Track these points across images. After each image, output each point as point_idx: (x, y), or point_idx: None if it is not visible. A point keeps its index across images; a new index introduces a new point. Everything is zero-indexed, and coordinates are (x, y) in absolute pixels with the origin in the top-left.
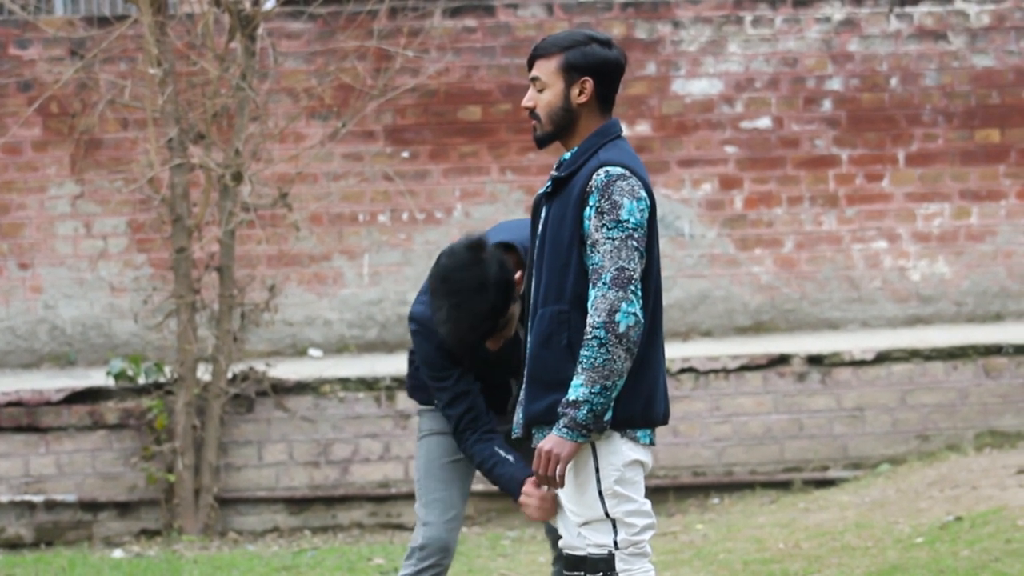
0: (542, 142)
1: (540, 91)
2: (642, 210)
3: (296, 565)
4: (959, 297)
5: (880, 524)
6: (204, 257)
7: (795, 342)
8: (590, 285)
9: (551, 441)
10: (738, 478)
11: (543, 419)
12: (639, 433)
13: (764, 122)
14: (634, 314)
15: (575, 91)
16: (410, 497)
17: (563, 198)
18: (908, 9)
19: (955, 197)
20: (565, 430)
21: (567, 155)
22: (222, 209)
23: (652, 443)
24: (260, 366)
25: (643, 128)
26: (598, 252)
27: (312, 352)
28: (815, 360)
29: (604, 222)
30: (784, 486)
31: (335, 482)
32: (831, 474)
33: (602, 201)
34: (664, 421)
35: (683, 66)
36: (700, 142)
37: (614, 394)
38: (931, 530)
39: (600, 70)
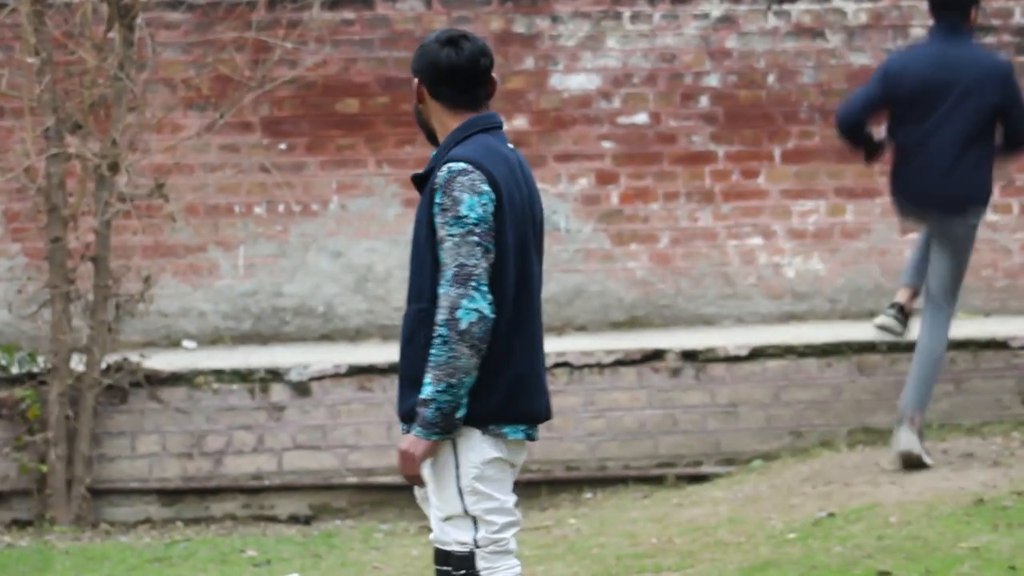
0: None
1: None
2: (484, 204)
3: (168, 556)
4: (833, 294)
5: (753, 520)
6: (79, 247)
7: (670, 337)
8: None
9: (406, 440)
10: (611, 473)
11: (409, 417)
12: (507, 429)
13: (641, 118)
14: (476, 310)
15: (422, 92)
16: (283, 489)
17: (423, 198)
18: (786, 7)
19: (830, 194)
20: (418, 429)
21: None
22: (98, 199)
23: (531, 438)
24: (134, 357)
25: (520, 123)
26: (442, 250)
27: (186, 343)
28: (689, 356)
29: (446, 219)
30: (657, 481)
31: (208, 474)
32: (704, 469)
33: (444, 198)
34: (541, 417)
35: (561, 61)
36: (577, 137)
37: (462, 391)
38: (804, 526)
39: (429, 71)
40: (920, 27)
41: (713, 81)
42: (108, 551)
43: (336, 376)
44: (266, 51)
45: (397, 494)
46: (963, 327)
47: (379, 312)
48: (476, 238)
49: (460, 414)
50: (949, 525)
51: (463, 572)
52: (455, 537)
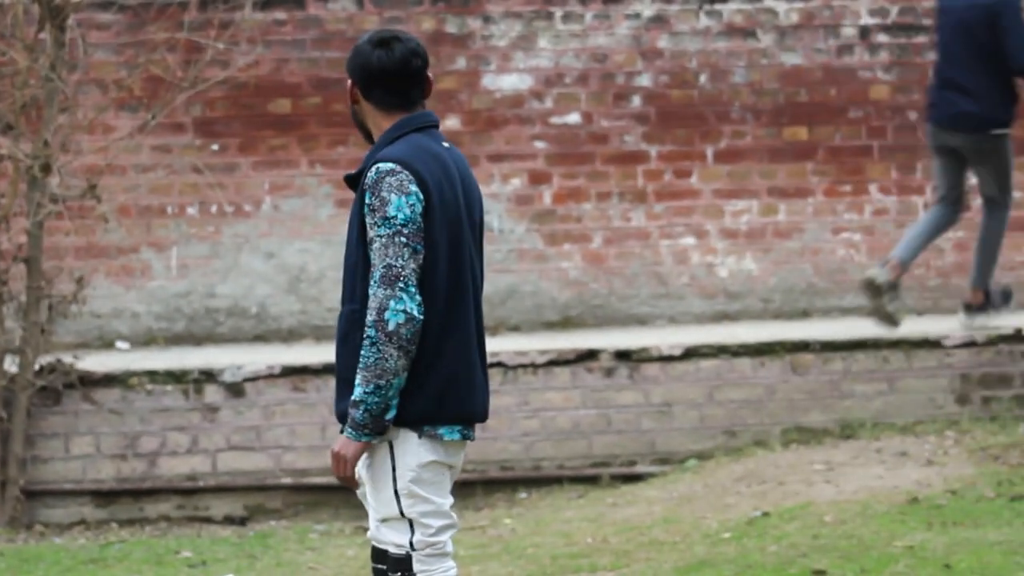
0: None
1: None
2: (411, 205)
3: (103, 558)
4: (766, 294)
5: (688, 519)
6: (11, 248)
7: (603, 337)
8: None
9: (338, 443)
10: (546, 473)
11: (345, 418)
12: (442, 430)
13: (573, 118)
14: (403, 311)
15: (355, 93)
16: (218, 490)
17: (356, 198)
18: (718, 6)
19: (763, 194)
20: (349, 430)
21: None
22: (30, 200)
23: (467, 439)
24: (67, 358)
25: (453, 123)
26: (372, 250)
27: (119, 344)
28: (623, 355)
29: (375, 220)
30: (592, 481)
31: (142, 475)
32: (639, 469)
33: (373, 198)
34: (477, 417)
35: (493, 61)
36: (510, 137)
37: (391, 393)
38: (738, 525)
39: (361, 72)
40: (851, 27)
41: (645, 81)
42: (42, 552)
43: (270, 377)
44: (198, 52)
45: (332, 494)
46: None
47: (312, 312)
48: (404, 239)
49: (390, 415)
50: (884, 524)
51: (399, 574)
52: (391, 539)
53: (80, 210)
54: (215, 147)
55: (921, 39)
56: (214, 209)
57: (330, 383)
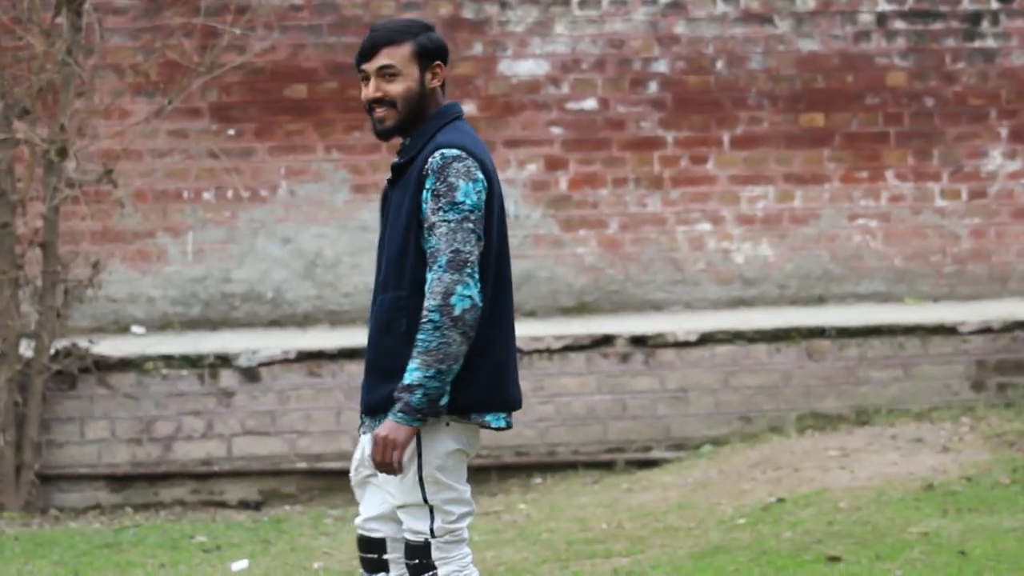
0: (392, 132)
1: (391, 79)
2: (479, 192)
3: (118, 542)
4: (782, 280)
5: (703, 505)
6: (28, 233)
7: (619, 323)
8: (428, 269)
9: (387, 427)
10: (561, 458)
11: (382, 407)
12: (489, 417)
13: (590, 103)
14: (470, 297)
15: (428, 76)
16: (233, 475)
17: (404, 184)
18: None
19: (779, 180)
20: (400, 415)
21: (407, 141)
22: (46, 185)
23: (509, 426)
24: (83, 342)
25: (469, 108)
26: (434, 235)
27: (135, 329)
28: (639, 341)
29: (440, 204)
30: (607, 466)
31: (157, 459)
32: (654, 455)
33: (438, 183)
34: (517, 404)
35: (510, 47)
36: (526, 123)
37: (449, 378)
38: (754, 511)
39: (446, 55)
40: (868, 13)
41: (662, 67)
42: (57, 537)
43: (285, 362)
44: (214, 37)
45: (346, 480)
46: (911, 313)
47: (328, 297)
48: (471, 225)
49: (444, 401)
50: (899, 510)
51: (416, 562)
52: (410, 526)
53: (96, 195)
54: (231, 132)
55: (938, 26)
56: (230, 194)
57: (346, 368)
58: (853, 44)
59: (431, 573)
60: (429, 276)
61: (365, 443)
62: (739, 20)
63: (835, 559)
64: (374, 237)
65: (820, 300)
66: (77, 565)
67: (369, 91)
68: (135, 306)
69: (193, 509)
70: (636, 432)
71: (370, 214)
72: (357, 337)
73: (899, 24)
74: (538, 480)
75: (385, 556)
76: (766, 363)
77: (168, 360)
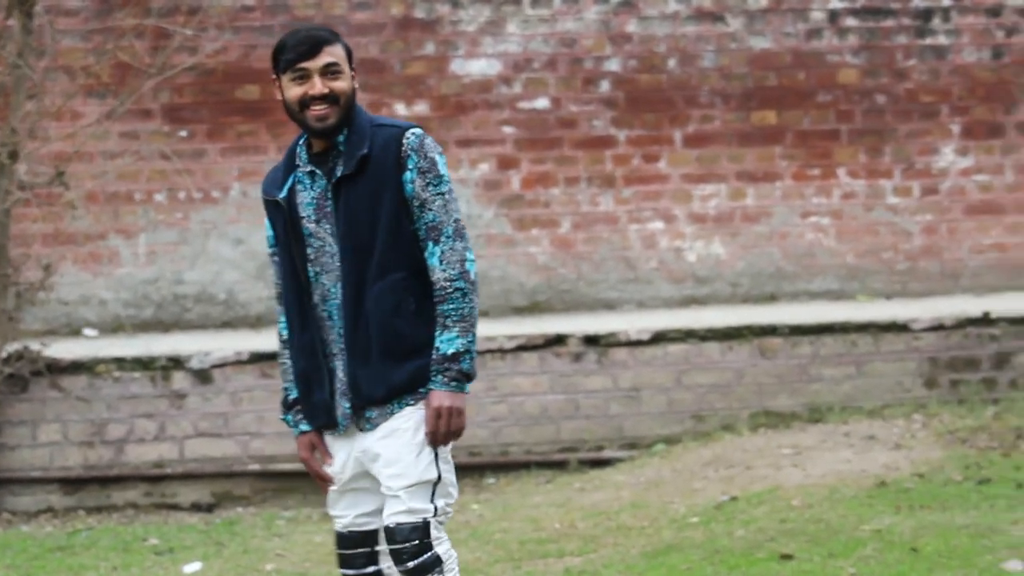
0: (335, 129)
1: (335, 76)
2: (446, 164)
3: (70, 546)
4: (734, 278)
5: (655, 504)
6: None
7: (572, 322)
8: (429, 243)
9: (446, 398)
10: (514, 458)
11: (406, 388)
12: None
13: (542, 103)
14: (474, 261)
15: (353, 76)
16: (185, 477)
17: (370, 174)
18: None
19: (731, 178)
20: (455, 383)
21: (341, 137)
22: None
23: None
24: (35, 345)
25: (421, 108)
26: (431, 210)
27: (87, 331)
28: (591, 340)
29: (428, 180)
30: (560, 466)
31: (110, 462)
32: (607, 454)
33: (421, 161)
34: None
35: (462, 46)
36: (478, 122)
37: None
38: (706, 510)
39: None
40: (820, 10)
41: (614, 65)
42: (10, 540)
43: (238, 363)
44: (166, 38)
45: (299, 481)
46: (864, 310)
47: None
48: (455, 194)
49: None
50: (851, 508)
51: (417, 542)
52: (413, 505)
53: (48, 197)
54: (183, 133)
55: (890, 23)
56: (182, 196)
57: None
58: (805, 42)
59: (430, 553)
60: (436, 248)
61: (371, 444)
62: (691, 18)
63: (788, 557)
64: None
65: (772, 298)
66: (29, 568)
67: (315, 88)
68: (87, 308)
69: (146, 512)
70: (589, 431)
71: None
72: None
73: (851, 21)
74: (491, 480)
75: (376, 548)
76: (719, 361)
77: (120, 362)
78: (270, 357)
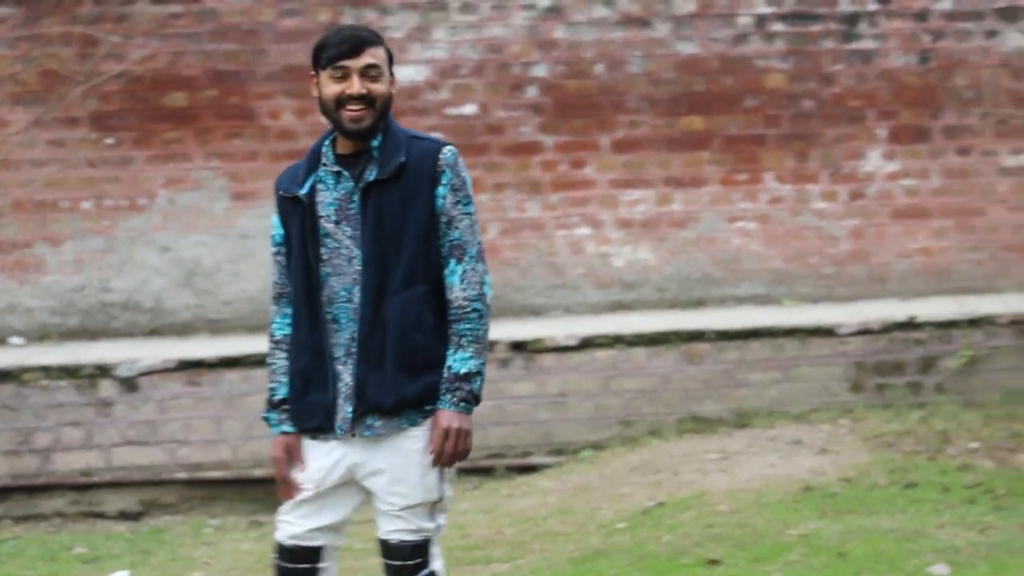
0: (369, 131)
1: (375, 79)
2: (472, 186)
3: None
4: (662, 283)
5: (583, 510)
6: None
7: (499, 328)
8: (451, 261)
9: (455, 419)
10: None
11: (417, 402)
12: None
13: (470, 109)
14: (491, 286)
15: (392, 81)
16: (113, 485)
17: (404, 182)
18: None
19: (658, 184)
20: (463, 404)
21: (375, 142)
22: None
23: None
24: None
25: None
26: (457, 228)
27: (13, 340)
28: (519, 346)
29: (459, 199)
30: (487, 472)
31: (36, 471)
32: (534, 460)
33: (455, 178)
34: None
35: None
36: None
37: None
38: (633, 515)
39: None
40: (747, 15)
41: (541, 71)
42: None
43: (165, 371)
44: (93, 45)
45: (226, 489)
46: (790, 315)
47: (208, 306)
48: (477, 217)
49: None
50: (777, 512)
51: (418, 560)
52: (416, 525)
53: None
54: (110, 141)
55: (817, 27)
56: (109, 203)
57: (226, 376)
58: (732, 47)
59: (427, 569)
60: (459, 267)
61: (372, 457)
62: (618, 24)
63: (714, 562)
64: (253, 244)
65: (699, 303)
66: None
67: (354, 88)
68: (13, 316)
69: (72, 520)
70: (516, 437)
71: (249, 222)
72: (237, 345)
73: (778, 26)
74: None
75: (319, 565)
76: (645, 367)
77: (47, 371)
78: (197, 365)
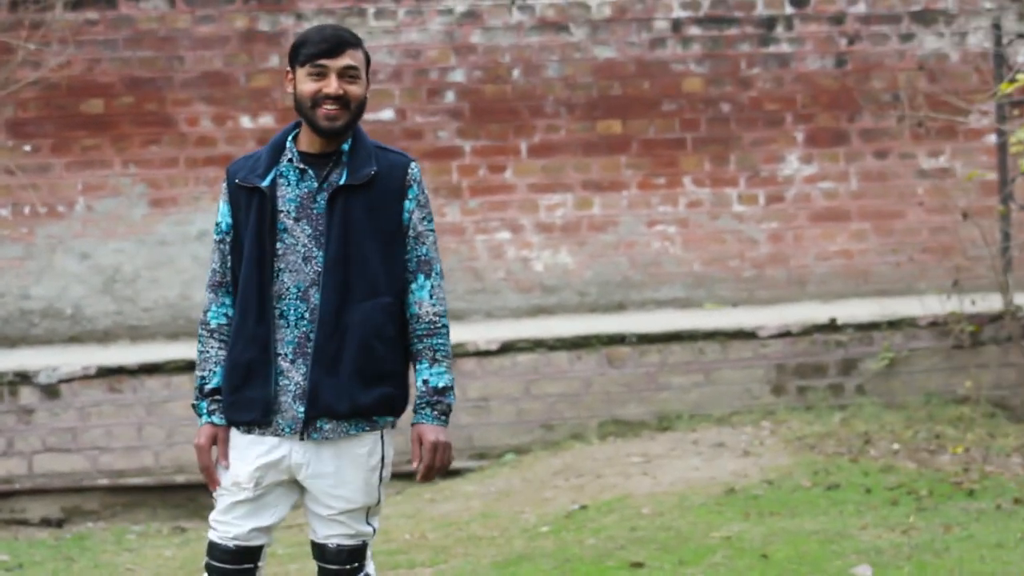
0: (341, 132)
1: (352, 80)
2: None
3: None
4: (582, 287)
5: (506, 514)
6: None
7: None
8: (420, 276)
9: (440, 432)
10: None
11: (369, 411)
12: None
13: (387, 114)
14: None
15: (367, 85)
16: (34, 493)
17: (374, 192)
18: (530, 1)
19: (577, 188)
20: (443, 418)
21: (346, 145)
22: None
23: None
24: None
25: (267, 120)
26: (424, 244)
27: None
28: None
29: (425, 215)
30: (410, 477)
31: None
32: (457, 464)
33: (420, 194)
34: None
35: None
36: None
37: None
38: (557, 519)
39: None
40: (664, 19)
41: (459, 76)
42: None
43: (85, 378)
44: (9, 52)
45: (149, 495)
46: (711, 318)
47: (128, 313)
48: None
49: None
50: (701, 515)
51: (356, 564)
52: (355, 530)
53: None
54: (28, 148)
55: (733, 31)
56: (27, 210)
57: (147, 383)
58: (649, 51)
59: (363, 573)
60: (427, 283)
61: (315, 458)
62: (535, 29)
63: (638, 565)
64: (172, 251)
65: (620, 307)
66: None
67: (331, 87)
68: None
69: None
70: None
71: (168, 228)
72: (157, 352)
73: (694, 30)
74: None
75: (259, 564)
76: (567, 371)
77: None
78: (118, 372)
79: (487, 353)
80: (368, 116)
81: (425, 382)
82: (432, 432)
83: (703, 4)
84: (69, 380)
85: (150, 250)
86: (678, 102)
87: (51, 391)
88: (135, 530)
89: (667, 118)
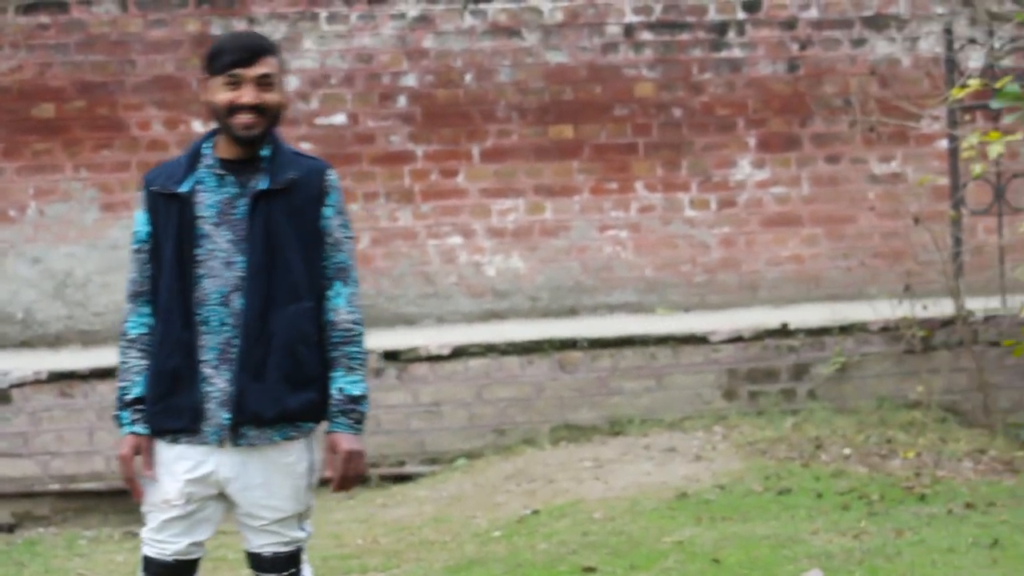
0: (258, 140)
1: (268, 88)
2: None
3: None
4: (534, 292)
5: (458, 518)
6: None
7: (371, 338)
8: (337, 283)
9: (355, 441)
10: None
11: (294, 417)
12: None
13: (339, 119)
14: None
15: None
16: None
17: (293, 197)
18: (482, 6)
19: (529, 192)
20: (358, 426)
21: (265, 151)
22: None
23: None
24: None
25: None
26: (342, 251)
27: None
28: (391, 356)
29: (342, 221)
30: (362, 482)
31: None
32: (408, 469)
33: (339, 200)
34: None
35: None
36: None
37: None
38: (508, 524)
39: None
40: (616, 24)
41: (411, 81)
42: None
43: (37, 383)
44: None
45: (100, 500)
46: (663, 323)
47: (79, 317)
48: None
49: None
50: (653, 520)
51: (292, 570)
52: (288, 536)
53: None
54: None
55: (685, 36)
56: None
57: (98, 388)
58: (601, 56)
59: None
60: (344, 290)
61: (242, 469)
62: (487, 33)
63: (590, 570)
64: (124, 255)
65: (572, 312)
66: None
67: (247, 97)
68: None
69: None
70: (390, 447)
71: (120, 232)
72: (109, 357)
73: (646, 35)
74: None
75: (196, 575)
76: (519, 375)
77: None
78: (69, 376)
79: (439, 358)
80: (320, 120)
81: (340, 390)
82: (347, 441)
83: (655, 9)
84: (20, 385)
85: (102, 254)
86: (630, 107)
87: (2, 396)
88: (86, 535)
89: (619, 123)
